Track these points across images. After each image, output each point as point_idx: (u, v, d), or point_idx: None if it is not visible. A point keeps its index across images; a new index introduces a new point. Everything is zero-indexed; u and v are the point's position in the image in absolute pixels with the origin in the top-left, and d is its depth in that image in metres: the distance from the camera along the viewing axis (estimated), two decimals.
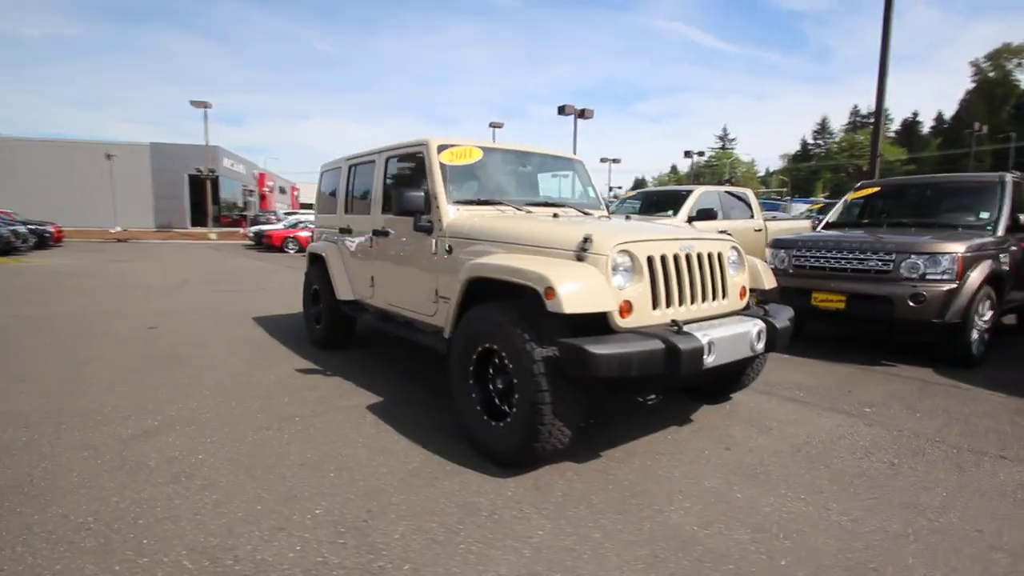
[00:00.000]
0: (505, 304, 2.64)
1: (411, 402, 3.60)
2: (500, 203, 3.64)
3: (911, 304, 4.35)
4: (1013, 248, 4.91)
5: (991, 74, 58.31)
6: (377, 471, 2.61)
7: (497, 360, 2.71)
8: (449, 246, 3.32)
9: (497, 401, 2.75)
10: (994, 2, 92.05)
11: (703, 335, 2.45)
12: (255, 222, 27.42)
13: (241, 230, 29.58)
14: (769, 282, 3.30)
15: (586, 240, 2.57)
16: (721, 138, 76.85)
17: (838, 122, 73.09)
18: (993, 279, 4.58)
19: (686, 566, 1.90)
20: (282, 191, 49.22)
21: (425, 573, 1.85)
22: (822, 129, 71.44)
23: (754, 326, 2.78)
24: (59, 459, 2.71)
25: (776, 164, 75.06)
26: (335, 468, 2.64)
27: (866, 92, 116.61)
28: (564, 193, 4.24)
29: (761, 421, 3.29)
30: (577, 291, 2.35)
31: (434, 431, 3.10)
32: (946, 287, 4.31)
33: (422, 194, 3.41)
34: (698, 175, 65.91)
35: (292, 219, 25.44)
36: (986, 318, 4.58)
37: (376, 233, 4.12)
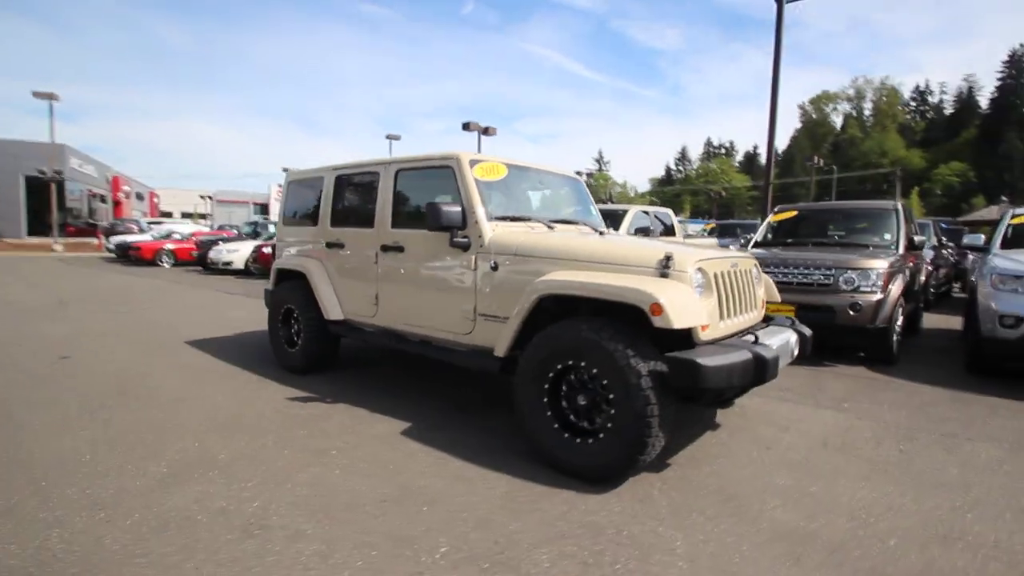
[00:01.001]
0: (593, 321, 2.66)
1: (441, 426, 3.44)
2: (529, 219, 3.66)
3: (850, 312, 5.08)
4: (909, 264, 5.94)
5: (814, 116, 69.44)
6: (469, 500, 2.48)
7: (575, 376, 2.73)
8: (495, 263, 3.25)
9: (573, 418, 2.76)
10: (813, 55, 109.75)
11: (773, 345, 2.69)
12: (112, 232, 24.00)
13: (96, 241, 25.66)
14: (778, 295, 3.68)
15: (668, 258, 2.69)
16: (598, 160, 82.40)
17: (696, 151, 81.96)
18: (903, 290, 5.50)
19: (824, 557, 2.07)
20: (139, 197, 43.65)
21: None
22: (683, 156, 79.81)
23: (791, 335, 3.10)
24: (71, 527, 2.21)
25: (645, 186, 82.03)
26: (423, 502, 2.46)
27: (715, 126, 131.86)
28: (568, 210, 4.34)
29: (775, 421, 3.64)
30: (681, 307, 2.46)
31: (493, 453, 3.00)
32: (875, 297, 5.10)
33: (460, 210, 3.32)
34: None
35: (163, 229, 22.74)
36: (899, 323, 5.48)
37: (385, 248, 3.89)
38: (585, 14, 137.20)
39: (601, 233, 3.99)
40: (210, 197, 49.83)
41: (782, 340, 2.92)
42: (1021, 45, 55.11)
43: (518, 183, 3.97)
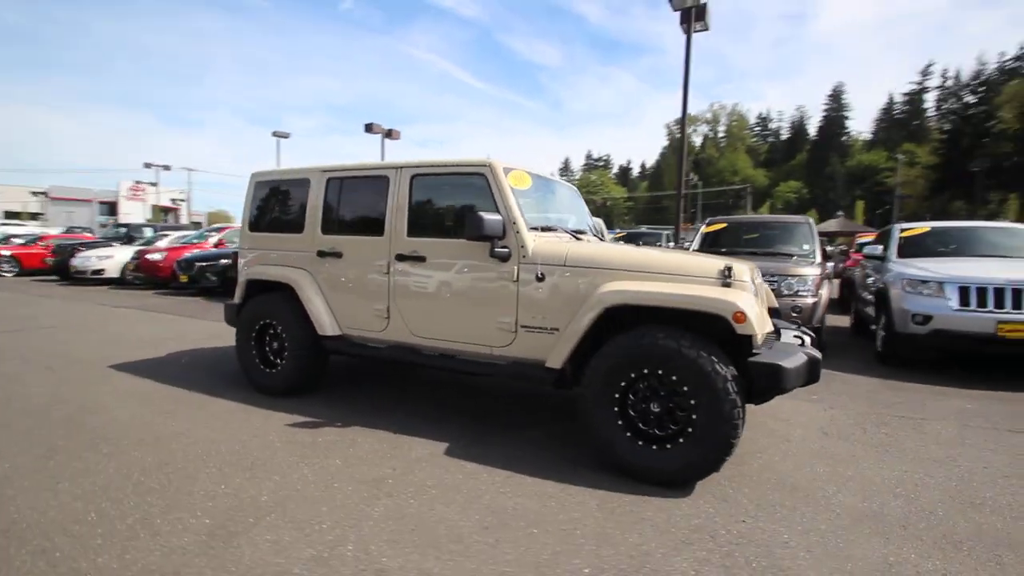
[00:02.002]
0: (669, 330, 2.74)
1: (477, 441, 3.31)
2: (555, 229, 3.67)
3: (793, 314, 5.73)
4: (827, 271, 6.85)
5: (678, 135, 76.71)
6: (571, 517, 2.43)
7: (645, 384, 2.80)
8: (540, 273, 3.22)
9: (641, 425, 2.82)
10: (675, 79, 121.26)
11: (811, 348, 2.98)
12: None
13: None
14: (775, 302, 4.07)
15: (728, 269, 2.87)
16: None
17: (577, 162, 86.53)
18: (829, 294, 6.33)
19: (902, 531, 2.34)
20: None
21: None
22: (566, 167, 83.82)
23: (804, 338, 3.45)
24: None
25: None
26: (527, 524, 2.36)
27: (594, 139, 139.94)
28: (572, 218, 4.41)
29: (774, 415, 4.00)
30: (756, 315, 2.64)
31: (553, 465, 2.96)
32: (811, 300, 5.81)
33: (501, 219, 3.24)
34: None
35: None
36: (825, 323, 6.29)
37: (401, 258, 3.66)
38: (470, 23, 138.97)
39: (601, 239, 4.11)
40: (43, 194, 42.56)
41: (808, 343, 3.25)
42: (839, 84, 65.87)
43: (534, 191, 3.96)
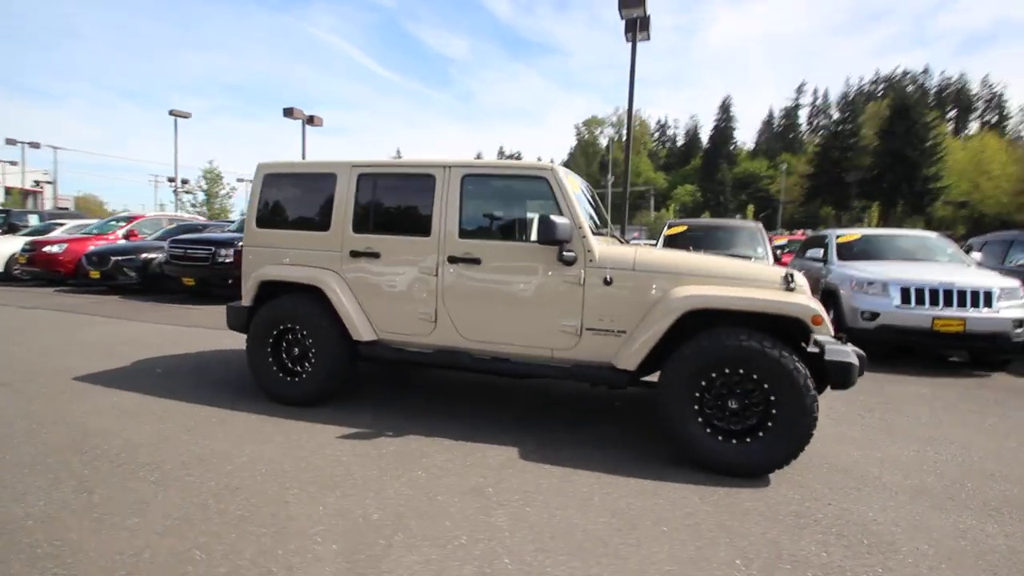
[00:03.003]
0: (751, 332, 2.94)
1: (547, 444, 3.33)
2: (604, 233, 3.78)
3: None
4: None
5: (586, 136, 79.70)
6: (687, 513, 2.56)
7: (722, 382, 2.99)
8: (608, 277, 3.30)
9: (717, 422, 3.02)
10: (580, 81, 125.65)
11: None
12: None
13: None
14: None
15: (791, 275, 3.14)
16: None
17: (490, 157, 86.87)
18: None
19: (964, 502, 2.72)
20: None
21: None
22: None
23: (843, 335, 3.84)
24: None
25: None
26: (652, 523, 2.45)
27: (504, 135, 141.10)
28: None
29: None
30: (826, 318, 2.92)
31: (634, 463, 3.07)
32: None
33: (570, 223, 3.28)
34: None
35: None
36: None
37: (454, 260, 3.57)
38: (374, 7, 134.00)
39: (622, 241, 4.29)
40: None
41: None
42: (727, 96, 71.95)
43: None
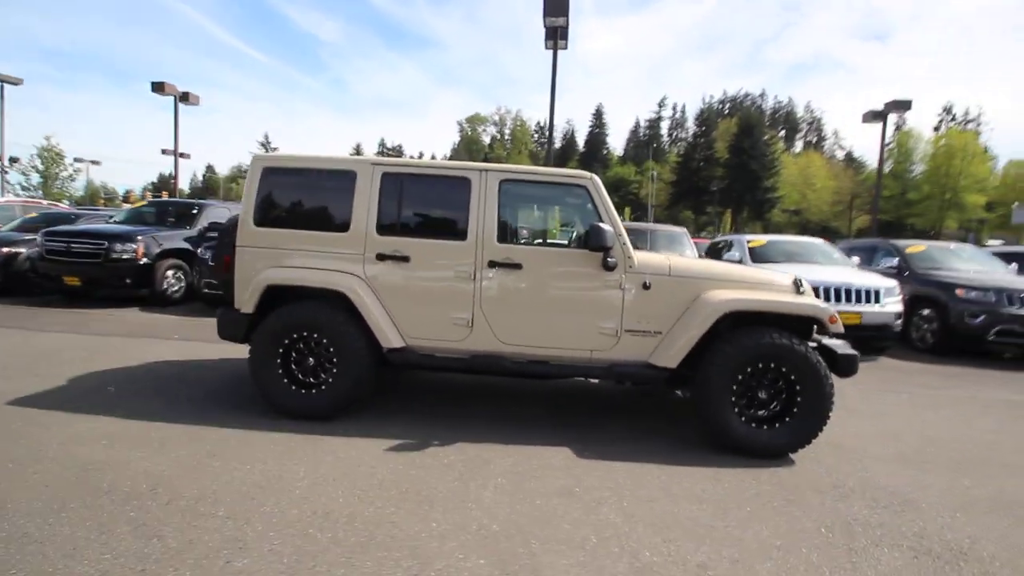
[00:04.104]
0: (774, 329, 3.34)
1: (594, 442, 3.49)
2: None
3: None
4: None
5: (469, 133, 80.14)
6: (759, 492, 2.88)
7: (756, 374, 3.37)
8: (647, 282, 3.53)
9: (752, 410, 3.40)
10: (458, 77, 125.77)
11: None
12: None
13: None
14: None
15: (799, 280, 3.62)
16: (264, 145, 75.09)
17: (370, 150, 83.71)
18: None
19: (997, 463, 3.36)
20: None
21: None
22: (357, 153, 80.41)
23: None
24: None
25: None
26: (736, 506, 2.73)
27: (384, 127, 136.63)
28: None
29: None
30: (838, 317, 3.43)
31: (683, 453, 3.34)
32: None
33: (612, 230, 3.46)
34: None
35: None
36: None
37: (493, 265, 3.56)
38: None
39: None
40: None
41: None
42: (600, 104, 76.85)
43: None
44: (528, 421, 3.85)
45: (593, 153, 74.25)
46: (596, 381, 4.80)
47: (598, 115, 76.81)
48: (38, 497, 2.42)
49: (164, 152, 23.78)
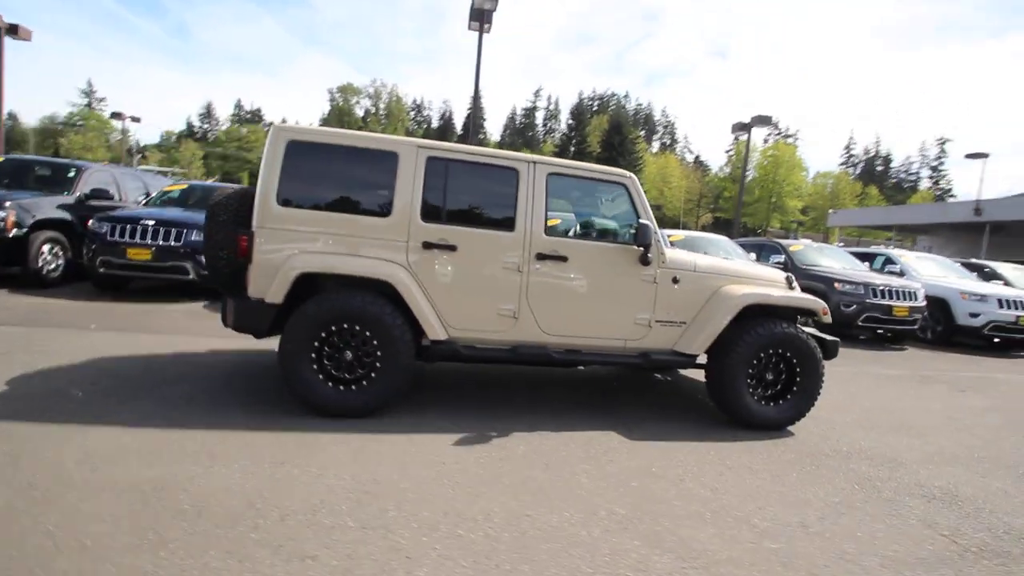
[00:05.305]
0: (780, 320, 3.87)
1: (634, 425, 3.75)
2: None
3: None
4: None
5: (340, 104, 75.36)
6: (793, 458, 3.34)
7: (765, 359, 3.87)
8: (677, 277, 3.85)
9: (760, 389, 3.91)
10: (326, 39, 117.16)
11: None
12: None
13: None
14: None
15: (791, 277, 4.19)
16: (87, 94, 63.43)
17: (224, 111, 74.92)
18: None
19: (1019, 433, 4.17)
20: None
21: None
22: (208, 114, 71.50)
23: None
24: None
25: (154, 138, 68.15)
26: (815, 480, 3.16)
27: (240, 87, 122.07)
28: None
29: None
30: (828, 309, 4.05)
31: (708, 429, 3.74)
32: None
33: (652, 228, 3.72)
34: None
35: None
36: None
37: (542, 257, 3.60)
38: None
39: None
40: None
41: None
42: (477, 87, 77.02)
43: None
44: (556, 407, 3.99)
45: (471, 136, 74.20)
46: (583, 368, 5.07)
47: (476, 98, 76.81)
48: (118, 531, 2.03)
49: None
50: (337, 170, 3.50)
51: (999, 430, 4.46)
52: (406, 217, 3.46)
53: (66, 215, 7.22)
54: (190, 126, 70.19)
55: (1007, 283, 9.92)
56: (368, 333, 3.35)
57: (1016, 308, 8.50)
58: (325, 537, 2.10)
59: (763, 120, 18.04)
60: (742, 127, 18.99)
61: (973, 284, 9.35)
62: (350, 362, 3.38)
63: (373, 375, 3.38)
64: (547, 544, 2.20)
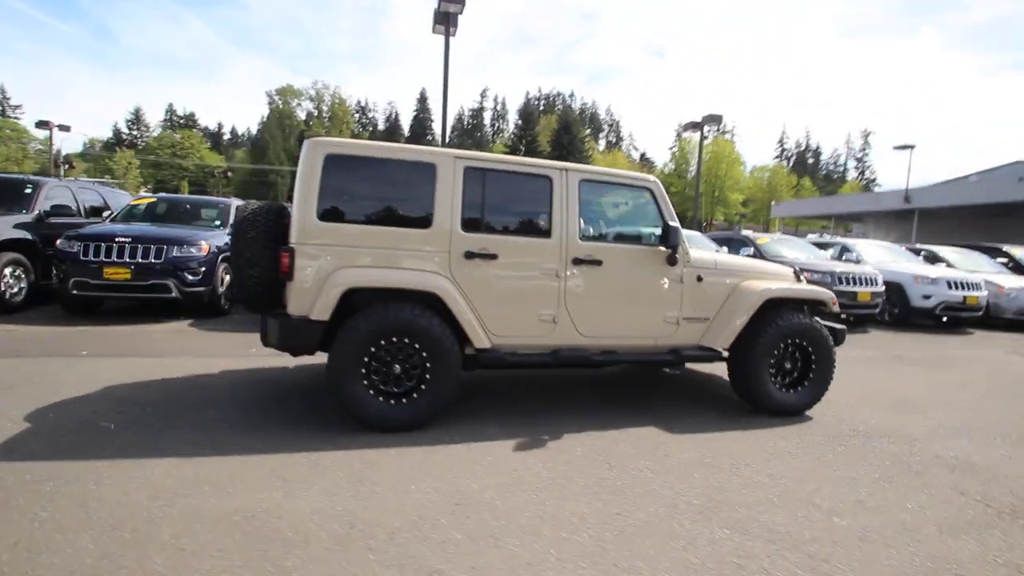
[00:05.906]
0: (796, 312, 4.12)
1: (665, 420, 3.89)
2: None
3: None
4: None
5: (280, 107, 72.76)
6: (817, 441, 3.57)
7: (784, 349, 4.11)
8: (700, 276, 4.03)
9: (779, 377, 4.14)
10: (263, 41, 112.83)
11: None
12: None
13: None
14: None
15: (798, 271, 4.46)
16: None
17: (154, 116, 70.90)
18: None
19: None
20: None
21: None
22: (137, 119, 67.39)
23: None
24: None
25: (77, 147, 63.58)
26: (851, 462, 3.38)
27: (171, 92, 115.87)
28: None
29: None
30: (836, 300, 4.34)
31: (731, 419, 3.93)
32: None
33: (680, 230, 3.88)
34: None
35: None
36: None
37: (578, 262, 3.69)
38: None
39: None
40: None
41: None
42: (424, 89, 76.49)
43: None
44: (588, 408, 4.09)
45: (418, 137, 73.52)
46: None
47: (422, 99, 76.26)
48: (233, 564, 1.96)
49: None
50: (375, 183, 3.47)
51: (979, 402, 4.90)
52: (447, 228, 3.46)
53: (26, 234, 6.73)
54: (118, 133, 66.01)
55: (950, 265, 10.81)
56: (417, 345, 3.34)
57: (963, 289, 9.28)
58: (440, 551, 2.11)
59: (714, 119, 18.87)
60: (694, 126, 19.80)
61: (924, 268, 10.14)
62: (398, 375, 3.37)
63: (423, 387, 3.37)
64: (648, 539, 2.29)
